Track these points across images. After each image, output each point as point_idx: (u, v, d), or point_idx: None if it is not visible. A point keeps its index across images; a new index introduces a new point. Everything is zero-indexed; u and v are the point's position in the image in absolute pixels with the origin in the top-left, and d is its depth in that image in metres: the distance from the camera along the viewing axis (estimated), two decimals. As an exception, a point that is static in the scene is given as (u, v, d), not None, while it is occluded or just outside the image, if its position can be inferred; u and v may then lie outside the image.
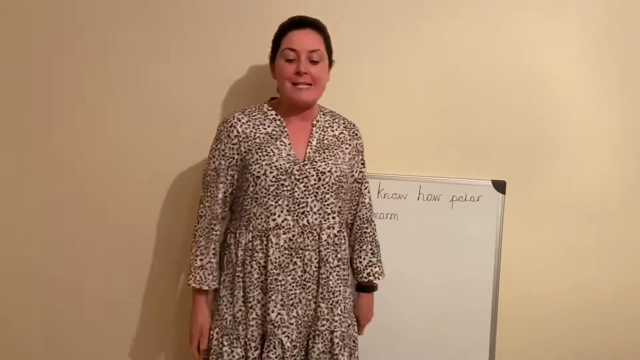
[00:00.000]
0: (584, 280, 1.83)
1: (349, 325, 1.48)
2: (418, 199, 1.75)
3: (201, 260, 1.42)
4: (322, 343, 1.40)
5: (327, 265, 1.40)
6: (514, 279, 1.80)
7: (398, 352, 1.76)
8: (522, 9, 1.76)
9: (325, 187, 1.39)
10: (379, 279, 1.55)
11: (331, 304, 1.41)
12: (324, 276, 1.40)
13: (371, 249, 1.55)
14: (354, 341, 1.50)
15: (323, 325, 1.40)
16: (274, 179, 1.36)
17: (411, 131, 1.79)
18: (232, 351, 1.39)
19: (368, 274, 1.54)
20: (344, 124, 1.52)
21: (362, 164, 1.55)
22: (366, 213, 1.55)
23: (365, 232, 1.55)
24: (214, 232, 1.43)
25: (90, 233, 1.81)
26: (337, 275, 1.42)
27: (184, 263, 1.79)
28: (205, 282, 1.41)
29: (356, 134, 1.53)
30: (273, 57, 1.44)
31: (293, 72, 1.36)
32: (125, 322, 1.84)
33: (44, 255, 1.82)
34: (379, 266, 1.56)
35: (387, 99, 1.79)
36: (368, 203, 1.56)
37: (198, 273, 1.41)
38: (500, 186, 1.75)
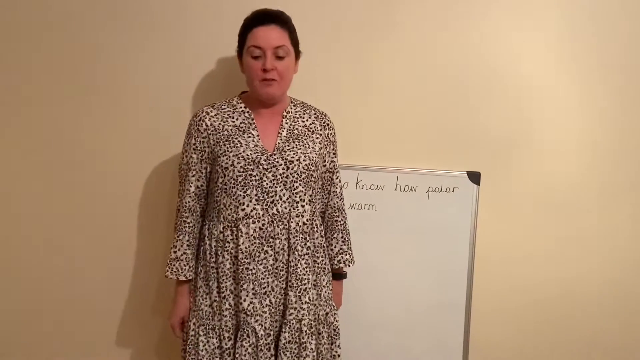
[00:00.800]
0: (557, 271, 1.86)
1: (327, 314, 1.49)
2: (395, 189, 1.77)
3: (175, 252, 1.45)
4: (289, 332, 1.41)
5: (296, 253, 1.41)
6: (488, 268, 1.83)
7: (375, 339, 1.78)
8: (500, 7, 1.78)
9: (294, 176, 1.41)
10: (349, 265, 1.58)
11: (299, 292, 1.42)
12: (292, 264, 1.41)
13: (342, 237, 1.57)
14: (334, 329, 1.51)
15: (291, 314, 1.41)
16: (241, 169, 1.38)
17: (389, 124, 1.81)
18: (208, 341, 1.41)
19: (339, 261, 1.56)
20: (315, 114, 1.53)
21: (334, 153, 1.57)
22: (337, 202, 1.57)
23: (336, 220, 1.57)
24: (187, 224, 1.45)
25: (71, 229, 1.82)
26: (305, 263, 1.43)
27: (165, 256, 1.81)
28: (182, 272, 1.44)
29: (327, 124, 1.55)
30: (240, 52, 1.45)
31: (260, 69, 1.37)
32: (108, 314, 1.85)
33: (26, 252, 1.83)
34: (349, 254, 1.58)
35: (365, 93, 1.80)
36: (339, 192, 1.58)
37: (174, 264, 1.44)
38: (475, 177, 1.77)
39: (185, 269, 1.44)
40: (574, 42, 1.80)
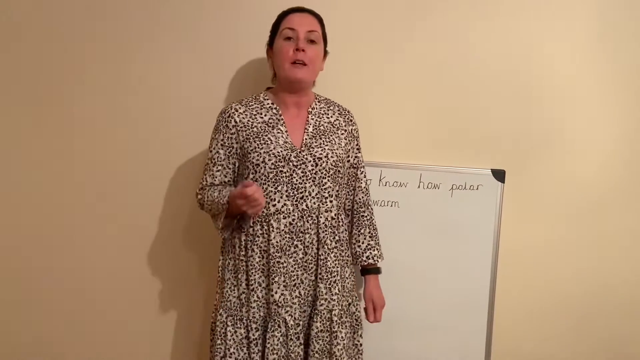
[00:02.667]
0: (582, 272, 1.84)
1: (349, 304, 1.52)
2: (418, 187, 1.78)
3: (213, 195, 1.42)
4: (320, 322, 1.45)
5: (325, 246, 1.45)
6: (512, 266, 1.82)
7: (398, 335, 1.79)
8: (528, 4, 1.77)
9: (322, 172, 1.44)
10: (377, 261, 1.60)
11: (329, 284, 1.46)
12: (322, 257, 1.45)
13: (369, 232, 1.60)
14: (356, 319, 1.54)
15: (321, 305, 1.45)
16: (272, 166, 1.41)
17: (412, 120, 1.82)
18: (236, 332, 1.44)
19: (367, 257, 1.58)
20: (338, 110, 1.56)
21: (358, 149, 1.60)
22: (363, 197, 1.60)
23: (363, 215, 1.59)
24: (214, 188, 1.45)
25: (93, 229, 1.85)
26: (334, 256, 1.47)
27: (185, 256, 1.84)
28: (226, 196, 1.36)
29: (351, 120, 1.58)
30: (271, 42, 1.50)
31: (292, 49, 1.42)
32: (129, 315, 1.87)
33: (46, 253, 1.86)
34: (377, 249, 1.60)
35: (389, 89, 1.81)
36: (365, 187, 1.61)
37: (219, 197, 1.39)
38: (499, 175, 1.77)
39: (225, 193, 1.37)
40: (603, 40, 1.78)
